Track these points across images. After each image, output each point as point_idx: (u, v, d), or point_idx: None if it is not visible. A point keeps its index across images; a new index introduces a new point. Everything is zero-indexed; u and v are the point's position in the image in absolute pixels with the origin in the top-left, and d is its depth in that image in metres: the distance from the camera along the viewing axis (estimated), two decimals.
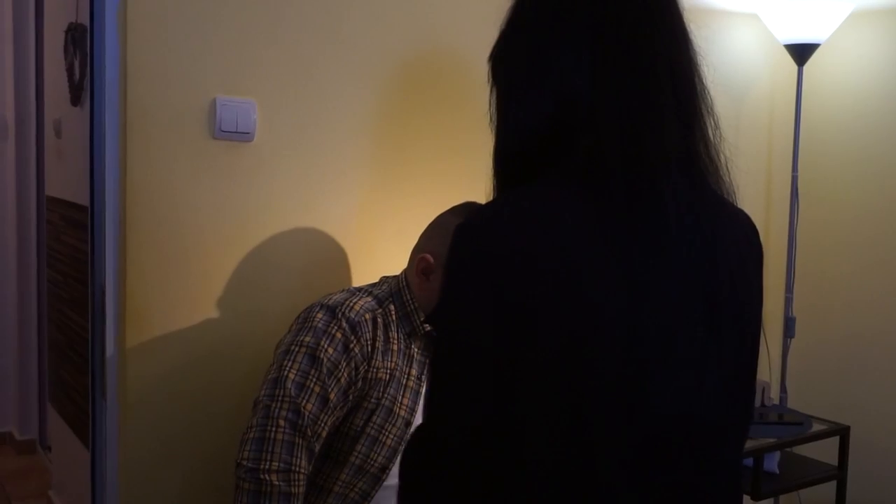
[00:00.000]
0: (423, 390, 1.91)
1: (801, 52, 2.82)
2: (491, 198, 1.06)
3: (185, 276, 1.98)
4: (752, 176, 3.06)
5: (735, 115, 2.99)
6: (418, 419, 1.84)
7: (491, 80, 1.09)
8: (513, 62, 1.06)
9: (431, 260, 1.84)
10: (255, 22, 2.03)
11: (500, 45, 1.09)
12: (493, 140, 1.08)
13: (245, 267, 2.05)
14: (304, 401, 1.69)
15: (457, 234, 1.00)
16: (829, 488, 2.72)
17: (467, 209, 1.91)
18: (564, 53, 1.01)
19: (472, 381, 0.97)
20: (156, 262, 1.95)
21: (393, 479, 1.82)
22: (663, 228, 0.98)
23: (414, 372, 1.87)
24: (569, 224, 0.95)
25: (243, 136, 2.04)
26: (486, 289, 0.95)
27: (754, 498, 2.56)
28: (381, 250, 2.23)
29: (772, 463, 2.65)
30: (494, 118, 1.08)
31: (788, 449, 2.87)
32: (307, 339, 1.76)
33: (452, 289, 1.00)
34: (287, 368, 1.72)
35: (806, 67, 2.86)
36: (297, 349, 1.74)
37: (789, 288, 2.97)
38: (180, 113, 1.97)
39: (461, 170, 2.32)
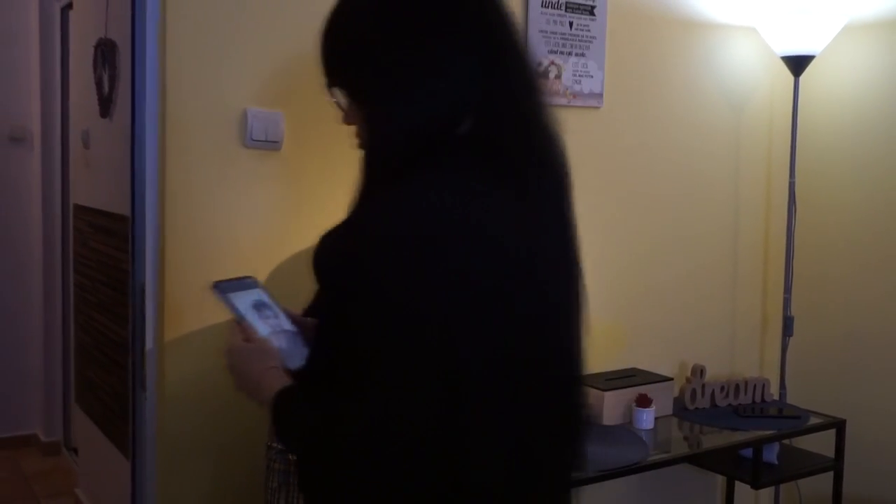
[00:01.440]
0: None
1: (798, 64, 2.95)
2: (362, 189, 1.16)
3: (219, 275, 2.12)
4: (752, 181, 3.20)
5: (735, 123, 3.13)
6: None
7: (351, 79, 1.15)
8: (393, 65, 1.11)
9: None
10: (284, 38, 2.17)
11: (365, 48, 1.13)
12: (368, 136, 1.16)
13: (275, 267, 2.19)
14: None
15: (417, 221, 1.04)
16: (827, 480, 2.84)
17: None
18: (455, 57, 1.11)
19: (428, 368, 1.02)
20: (192, 263, 2.10)
21: None
22: (558, 213, 1.20)
23: None
24: (499, 220, 1.09)
25: (272, 144, 2.18)
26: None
27: (754, 487, 2.70)
28: None
29: (771, 454, 2.78)
30: (369, 117, 1.15)
31: (787, 443, 3.00)
32: None
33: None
34: None
35: (802, 78, 2.99)
36: None
37: (788, 288, 3.10)
38: (214, 123, 2.11)
39: None
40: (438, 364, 1.02)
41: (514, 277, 1.08)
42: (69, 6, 3.98)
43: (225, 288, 1.27)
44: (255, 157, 2.16)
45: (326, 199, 2.26)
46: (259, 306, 1.28)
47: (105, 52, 3.16)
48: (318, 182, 2.25)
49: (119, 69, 2.98)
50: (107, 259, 3.19)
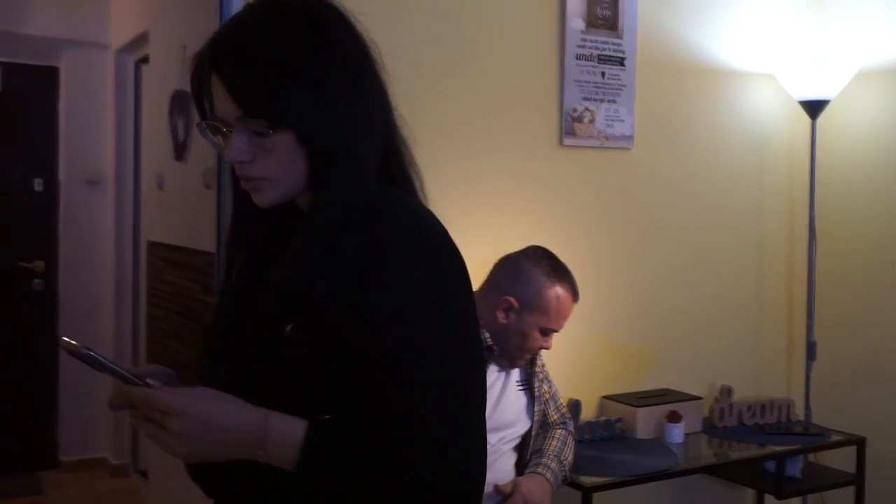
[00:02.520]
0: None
1: (814, 108, 3.21)
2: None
3: None
4: (775, 216, 3.44)
5: (758, 162, 3.38)
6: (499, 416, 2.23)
7: (285, 104, 1.11)
8: (330, 79, 1.13)
9: (516, 304, 2.26)
10: None
11: (295, 70, 1.12)
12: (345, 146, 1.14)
13: None
14: None
15: (437, 255, 1.14)
16: (850, 495, 3.02)
17: (538, 254, 2.34)
18: (379, 100, 1.21)
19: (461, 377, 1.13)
20: None
21: None
22: None
23: None
24: None
25: None
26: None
27: (778, 497, 2.91)
28: None
29: (794, 469, 2.98)
30: (310, 137, 1.13)
31: (813, 460, 3.21)
32: None
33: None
34: None
35: (819, 120, 3.24)
36: None
37: (810, 315, 3.32)
38: None
39: (528, 192, 2.74)
40: (471, 364, 1.15)
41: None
42: (143, 60, 4.35)
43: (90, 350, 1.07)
44: None
45: None
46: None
47: (180, 102, 3.51)
48: None
49: (192, 117, 3.31)
50: (181, 290, 3.49)
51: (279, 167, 1.14)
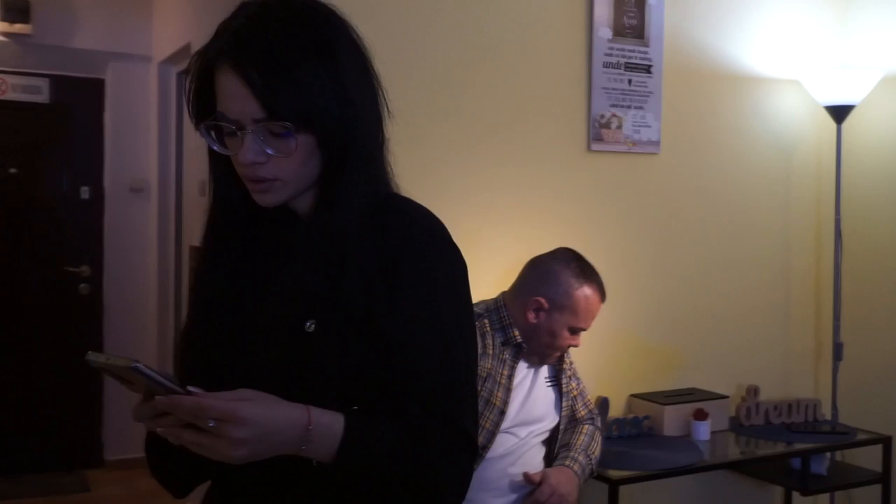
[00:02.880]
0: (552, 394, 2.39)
1: (839, 113, 3.26)
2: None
3: None
4: (801, 219, 3.49)
5: (786, 167, 3.44)
6: (511, 411, 2.32)
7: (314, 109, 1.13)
8: (351, 86, 1.16)
9: (545, 304, 2.35)
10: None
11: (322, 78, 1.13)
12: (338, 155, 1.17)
13: None
14: None
15: (452, 250, 1.23)
16: (877, 493, 3.07)
17: (566, 255, 2.42)
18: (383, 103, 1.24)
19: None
20: None
21: (492, 452, 2.30)
22: None
23: (505, 372, 2.36)
24: None
25: None
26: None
27: (803, 493, 2.97)
28: (483, 269, 2.74)
29: (820, 467, 3.04)
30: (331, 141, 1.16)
31: (840, 460, 3.25)
32: None
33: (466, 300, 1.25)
34: None
35: (844, 125, 3.30)
36: None
37: (837, 316, 3.37)
38: None
39: (549, 203, 2.84)
40: (474, 349, 1.26)
41: None
42: (185, 72, 4.48)
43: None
44: None
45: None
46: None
47: None
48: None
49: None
50: None
51: (294, 168, 1.15)
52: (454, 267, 1.23)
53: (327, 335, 1.15)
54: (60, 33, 4.64)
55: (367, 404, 1.15)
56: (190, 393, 1.05)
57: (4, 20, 4.45)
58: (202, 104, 1.19)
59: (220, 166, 1.23)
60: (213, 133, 1.18)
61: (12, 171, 4.82)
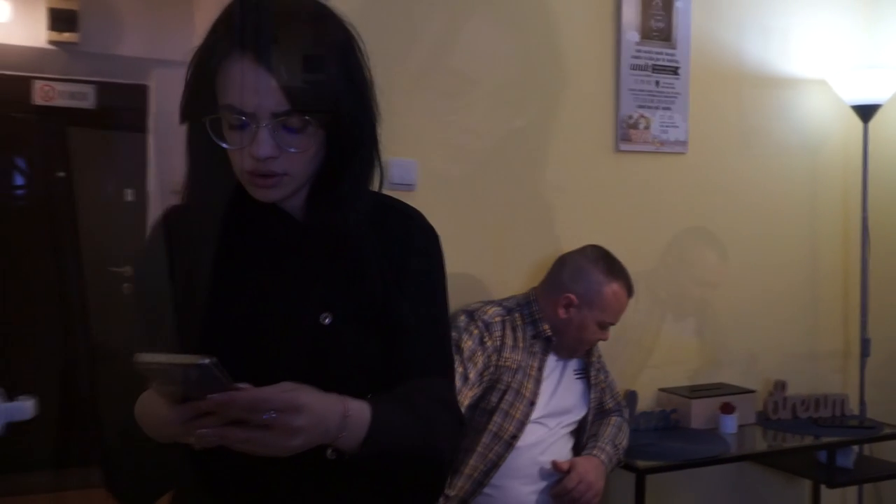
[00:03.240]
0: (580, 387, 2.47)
1: (866, 112, 3.31)
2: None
3: None
4: (828, 217, 3.54)
5: (812, 166, 3.49)
6: (541, 402, 2.41)
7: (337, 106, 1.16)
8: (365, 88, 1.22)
9: (575, 300, 2.43)
10: (418, 98, 2.69)
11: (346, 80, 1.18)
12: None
13: None
14: None
15: (440, 246, 1.34)
16: None
17: (595, 252, 2.51)
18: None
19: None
20: None
21: (522, 441, 2.38)
22: None
23: (535, 364, 2.45)
24: None
25: (408, 186, 2.68)
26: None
27: (829, 486, 3.02)
28: (514, 265, 2.83)
29: (847, 460, 3.08)
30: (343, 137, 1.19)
31: (868, 454, 3.29)
32: (453, 334, 2.36)
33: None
34: None
35: (871, 124, 3.34)
36: None
37: (864, 313, 3.41)
38: None
39: (567, 211, 2.92)
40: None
41: None
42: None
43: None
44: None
45: (454, 234, 2.74)
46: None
47: None
48: (448, 218, 2.73)
49: None
50: None
51: (304, 164, 1.16)
52: (442, 261, 1.35)
53: (344, 327, 1.19)
54: (106, 41, 4.79)
55: (376, 393, 1.21)
56: (240, 389, 1.04)
57: (53, 29, 4.61)
58: (197, 100, 1.17)
59: (204, 165, 1.22)
60: (212, 127, 1.16)
61: (60, 174, 4.99)
